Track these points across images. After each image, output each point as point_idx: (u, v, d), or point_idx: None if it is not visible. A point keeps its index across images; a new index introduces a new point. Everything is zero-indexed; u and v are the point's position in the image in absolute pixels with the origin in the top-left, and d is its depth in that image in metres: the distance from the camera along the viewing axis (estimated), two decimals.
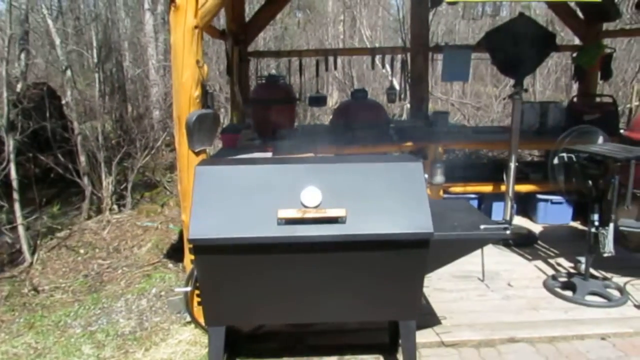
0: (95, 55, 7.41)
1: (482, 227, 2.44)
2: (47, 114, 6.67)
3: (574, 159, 3.64)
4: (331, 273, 2.29)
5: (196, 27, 2.84)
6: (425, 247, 2.25)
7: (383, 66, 6.34)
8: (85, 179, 6.34)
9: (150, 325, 3.63)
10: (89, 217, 6.15)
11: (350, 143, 4.82)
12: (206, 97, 2.99)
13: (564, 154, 3.66)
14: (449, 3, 3.84)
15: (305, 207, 2.18)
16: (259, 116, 5.01)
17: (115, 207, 6.30)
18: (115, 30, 8.98)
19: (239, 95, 4.93)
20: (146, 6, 9.22)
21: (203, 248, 2.19)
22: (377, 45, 12.04)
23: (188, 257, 3.16)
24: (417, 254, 2.27)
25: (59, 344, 3.43)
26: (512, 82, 4.35)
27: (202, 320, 3.12)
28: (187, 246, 3.19)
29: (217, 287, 2.30)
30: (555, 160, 3.73)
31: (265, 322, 2.62)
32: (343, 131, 5.07)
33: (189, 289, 2.50)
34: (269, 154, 4.15)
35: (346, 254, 2.23)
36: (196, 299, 2.90)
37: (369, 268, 2.30)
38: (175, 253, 5.12)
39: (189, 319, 3.35)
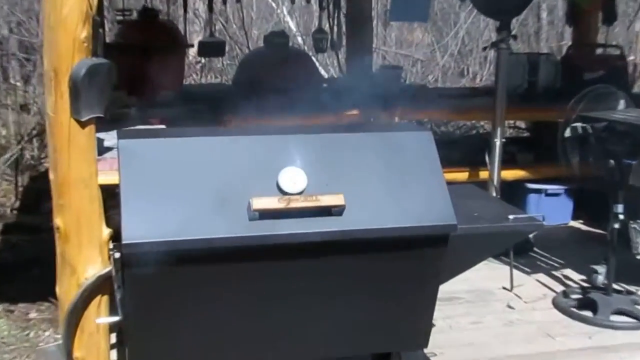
0: None
1: (511, 217, 2.86)
2: None
3: (590, 130, 4.24)
4: (320, 286, 2.53)
5: None
6: (443, 245, 2.60)
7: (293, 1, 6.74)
8: None
9: None
10: None
11: (264, 111, 5.06)
12: (97, 40, 3.12)
13: (579, 124, 4.25)
14: None
15: (286, 194, 2.44)
16: (128, 71, 5.11)
17: None
18: None
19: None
20: None
21: (139, 257, 2.34)
22: None
23: (63, 287, 3.25)
24: (432, 256, 2.59)
25: None
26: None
27: None
28: (60, 272, 3.27)
29: (156, 313, 2.47)
30: (567, 133, 4.30)
31: None
32: (255, 94, 5.33)
33: (116, 318, 2.62)
34: (161, 127, 4.31)
35: (340, 257, 2.51)
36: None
37: (370, 277, 2.57)
38: None
39: None
